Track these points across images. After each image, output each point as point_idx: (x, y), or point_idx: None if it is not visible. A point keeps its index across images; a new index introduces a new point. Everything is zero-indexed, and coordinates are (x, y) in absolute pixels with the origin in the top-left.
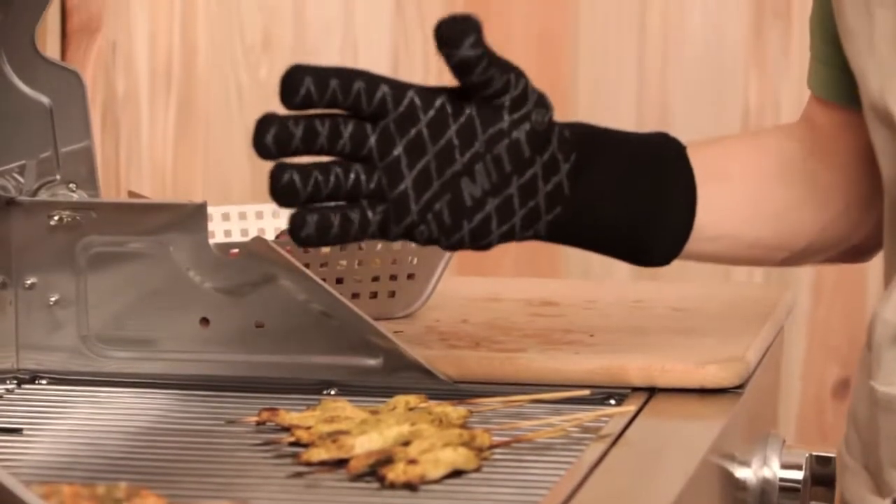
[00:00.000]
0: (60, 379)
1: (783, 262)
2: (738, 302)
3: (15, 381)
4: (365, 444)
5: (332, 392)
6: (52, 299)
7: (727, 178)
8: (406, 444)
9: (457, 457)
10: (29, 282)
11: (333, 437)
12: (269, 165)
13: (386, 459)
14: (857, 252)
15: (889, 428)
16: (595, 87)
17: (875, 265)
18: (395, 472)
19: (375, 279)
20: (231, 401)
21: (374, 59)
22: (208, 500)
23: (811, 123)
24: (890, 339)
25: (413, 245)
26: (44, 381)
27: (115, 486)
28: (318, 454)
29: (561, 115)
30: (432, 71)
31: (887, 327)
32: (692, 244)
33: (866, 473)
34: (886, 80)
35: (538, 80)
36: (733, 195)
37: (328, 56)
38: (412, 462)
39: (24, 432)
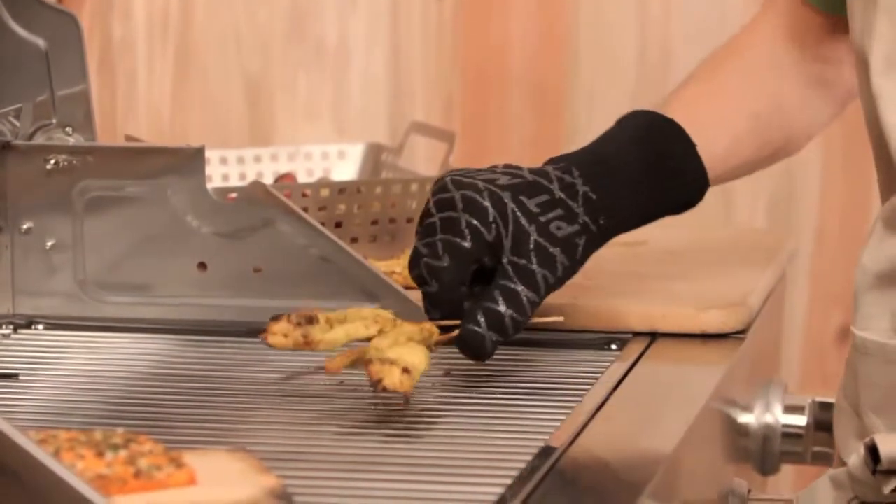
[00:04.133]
0: (57, 324)
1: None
2: (740, 246)
3: (11, 327)
4: (329, 338)
5: None
6: (49, 244)
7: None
8: (369, 340)
9: (424, 359)
10: (25, 226)
11: (304, 334)
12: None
13: (363, 359)
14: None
15: (865, 372)
16: (596, 33)
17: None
18: (392, 381)
19: (374, 223)
20: (228, 345)
21: (373, 3)
22: (206, 447)
23: (803, 30)
24: (866, 284)
25: (412, 188)
26: (40, 327)
27: (113, 432)
28: (284, 343)
29: (561, 59)
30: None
31: (865, 273)
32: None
33: (857, 418)
34: (867, 23)
35: (539, 21)
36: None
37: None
38: (406, 372)
39: (21, 378)
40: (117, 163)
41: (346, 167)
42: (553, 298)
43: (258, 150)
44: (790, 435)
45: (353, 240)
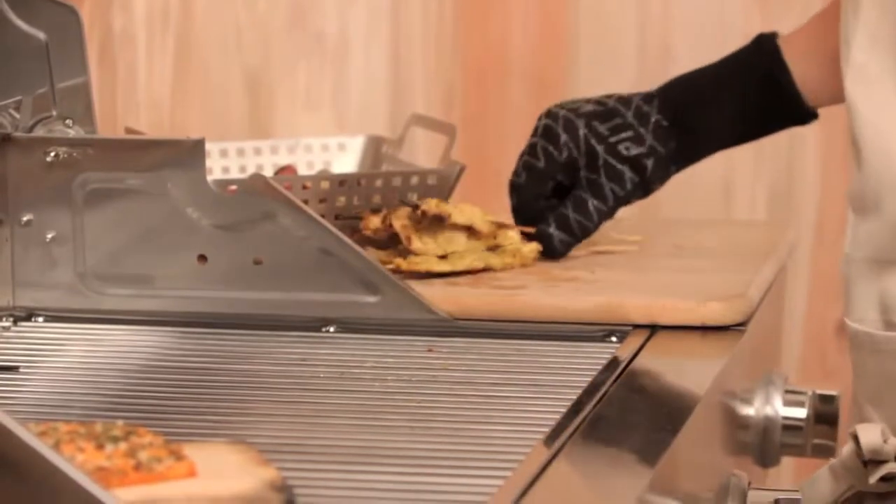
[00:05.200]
0: (57, 316)
1: None
2: (740, 240)
3: (11, 319)
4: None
5: (331, 329)
6: (49, 236)
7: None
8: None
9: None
10: (25, 219)
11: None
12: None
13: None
14: None
15: (857, 362)
16: (596, 27)
17: None
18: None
19: (375, 214)
20: (228, 338)
21: None
22: (206, 439)
23: None
24: (852, 274)
25: (412, 181)
26: (40, 319)
27: (113, 424)
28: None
29: (561, 52)
30: None
31: (849, 263)
32: None
33: (855, 407)
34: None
35: (539, 14)
36: None
37: None
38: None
39: (21, 370)
40: (117, 155)
41: (346, 160)
42: (554, 292)
43: (258, 143)
44: (790, 427)
45: (354, 231)
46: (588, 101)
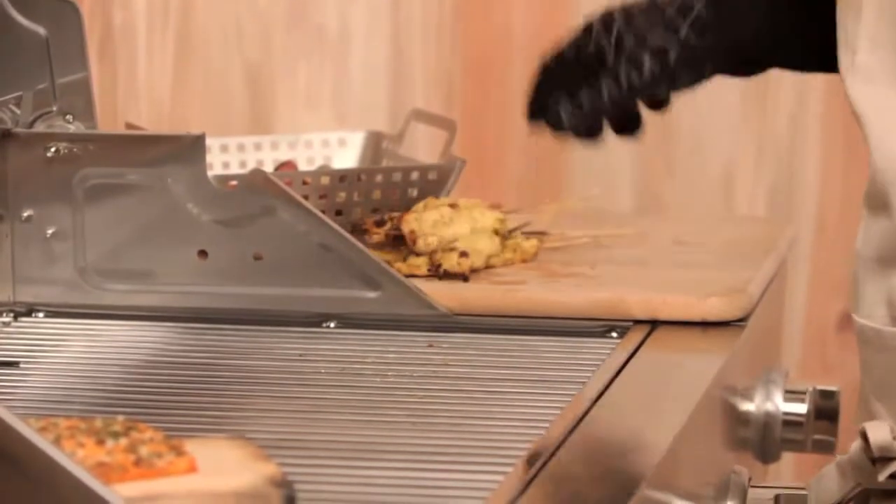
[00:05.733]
0: (57, 312)
1: None
2: (740, 235)
3: (12, 314)
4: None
5: (332, 324)
6: (49, 232)
7: None
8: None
9: (489, 244)
10: (25, 214)
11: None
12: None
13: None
14: None
15: (864, 358)
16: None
17: None
18: (450, 264)
19: (375, 211)
20: (228, 333)
21: None
22: (206, 434)
23: None
24: (861, 270)
25: (412, 176)
26: (41, 314)
27: (113, 419)
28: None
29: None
30: None
31: (859, 259)
32: None
33: (863, 403)
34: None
35: (540, 9)
36: None
37: None
38: (464, 255)
39: (21, 365)
40: (118, 150)
41: (346, 155)
42: (555, 287)
43: (258, 138)
44: (791, 423)
45: (354, 227)
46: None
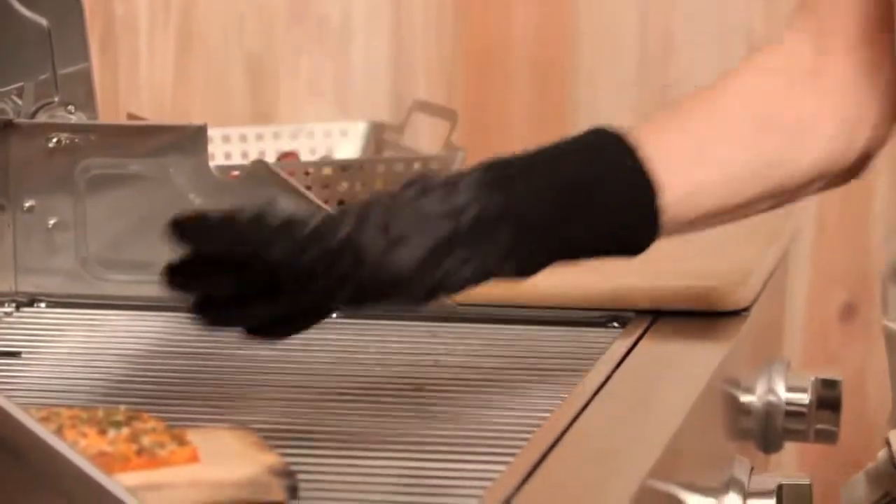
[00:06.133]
0: (59, 302)
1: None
2: (742, 225)
3: (14, 305)
4: None
5: (334, 315)
6: (51, 222)
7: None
8: None
9: None
10: (27, 205)
11: None
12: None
13: None
14: (847, 176)
15: (893, 364)
16: (598, 12)
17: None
18: None
19: None
20: None
21: None
22: (208, 424)
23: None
24: (890, 274)
25: (414, 167)
26: (42, 305)
27: (115, 409)
28: None
29: (563, 37)
30: None
31: (889, 264)
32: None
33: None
34: None
35: (539, 10)
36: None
37: None
38: None
39: (23, 356)
40: (119, 141)
41: (348, 145)
42: (557, 277)
43: (260, 129)
44: (793, 413)
45: None
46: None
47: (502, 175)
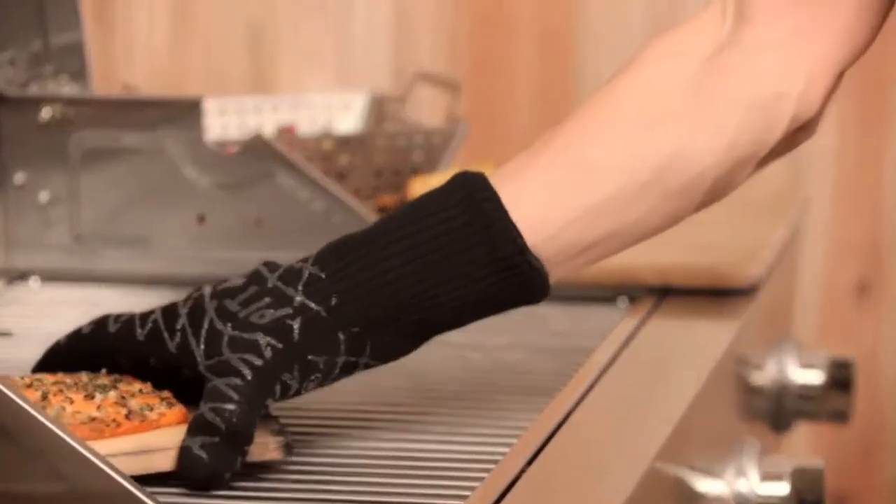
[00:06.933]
0: (52, 277)
1: (699, 207)
2: (752, 202)
3: (6, 279)
4: None
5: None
6: (44, 197)
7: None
8: None
9: None
10: (19, 179)
11: None
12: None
13: None
14: (779, 151)
15: None
16: None
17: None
18: None
19: (378, 174)
20: None
21: None
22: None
23: None
24: None
25: (416, 139)
26: (35, 280)
27: (99, 374)
28: None
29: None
30: None
31: None
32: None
33: None
34: None
35: None
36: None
37: None
38: None
39: (14, 334)
40: (114, 114)
41: (349, 117)
42: None
43: (259, 100)
44: (804, 392)
45: (357, 192)
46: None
47: (337, 270)
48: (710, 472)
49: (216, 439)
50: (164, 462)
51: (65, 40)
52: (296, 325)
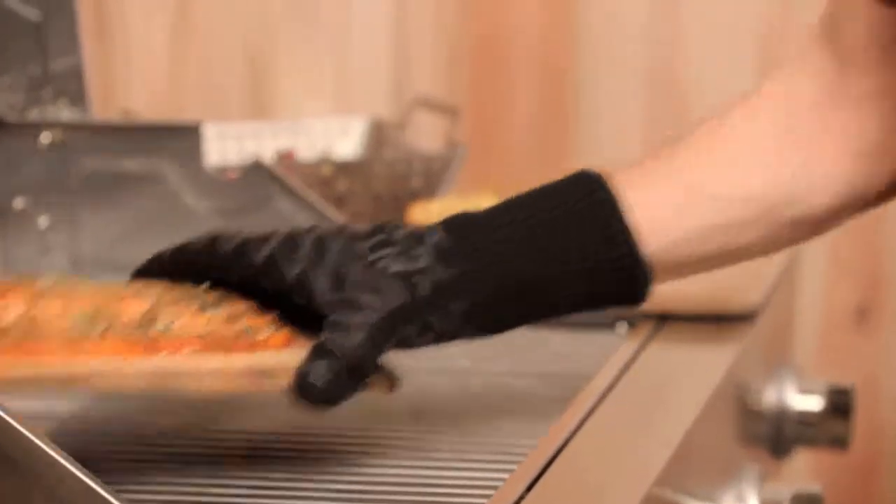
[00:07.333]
0: None
1: (807, 239)
2: None
3: None
4: None
5: None
6: (43, 223)
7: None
8: None
9: None
10: (19, 204)
11: None
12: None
13: None
14: (873, 202)
15: None
16: (604, 3)
17: None
18: None
19: (377, 199)
20: None
21: None
22: (204, 429)
23: (834, 35)
24: None
25: (414, 165)
26: None
27: (201, 288)
28: None
29: (568, 30)
30: None
31: None
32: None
33: None
34: None
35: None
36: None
37: None
38: None
39: None
40: (113, 139)
41: (348, 143)
42: None
43: (258, 125)
44: (803, 419)
45: (356, 216)
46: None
47: (463, 239)
48: (709, 497)
49: (336, 369)
50: (275, 384)
51: (64, 65)
52: (421, 283)
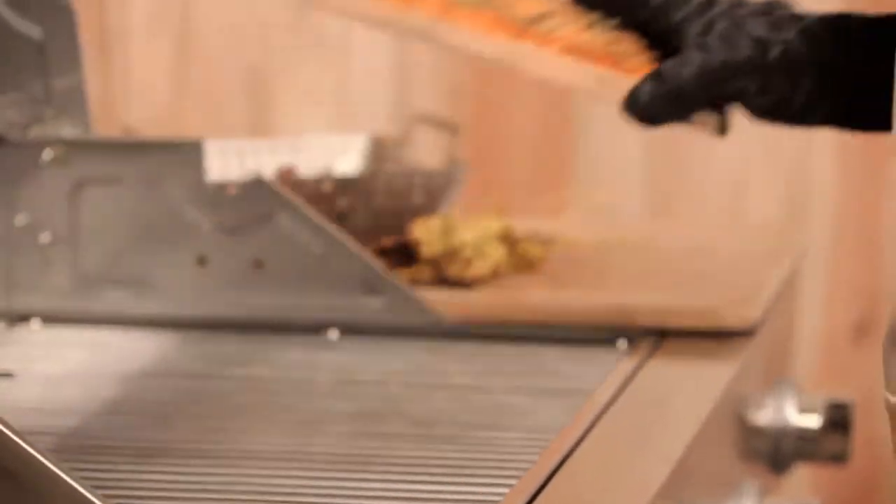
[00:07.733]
0: (53, 320)
1: None
2: (752, 242)
3: (6, 322)
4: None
5: (333, 333)
6: (45, 238)
7: None
8: None
9: (498, 252)
10: (20, 220)
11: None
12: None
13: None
14: None
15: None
16: None
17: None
18: (455, 271)
19: (378, 216)
20: (228, 342)
21: None
22: (204, 445)
23: None
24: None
25: (415, 181)
26: (36, 323)
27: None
28: None
29: None
30: None
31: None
32: None
33: None
34: None
35: None
36: None
37: None
38: (469, 263)
39: (16, 375)
40: (114, 155)
41: (348, 159)
42: (562, 295)
43: (258, 142)
44: (802, 434)
45: (356, 234)
46: None
47: (829, 26)
48: None
49: (661, 92)
50: (612, 94)
51: (66, 83)
52: (774, 48)
